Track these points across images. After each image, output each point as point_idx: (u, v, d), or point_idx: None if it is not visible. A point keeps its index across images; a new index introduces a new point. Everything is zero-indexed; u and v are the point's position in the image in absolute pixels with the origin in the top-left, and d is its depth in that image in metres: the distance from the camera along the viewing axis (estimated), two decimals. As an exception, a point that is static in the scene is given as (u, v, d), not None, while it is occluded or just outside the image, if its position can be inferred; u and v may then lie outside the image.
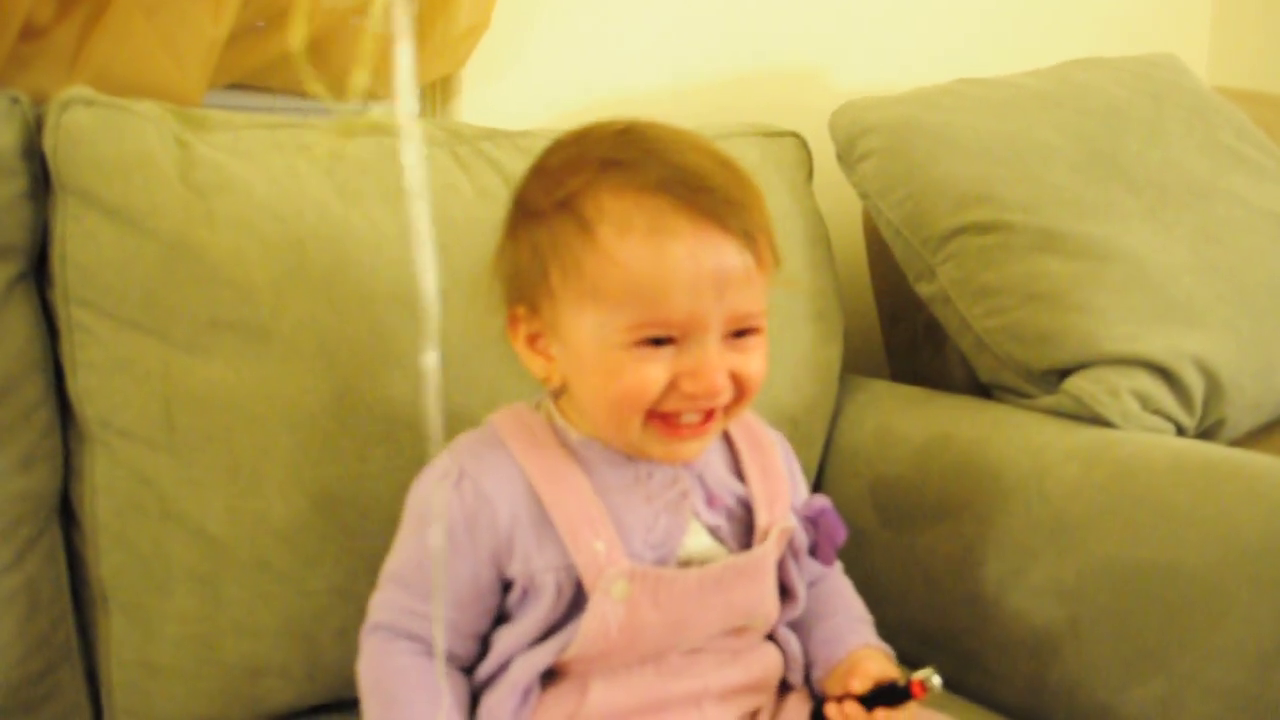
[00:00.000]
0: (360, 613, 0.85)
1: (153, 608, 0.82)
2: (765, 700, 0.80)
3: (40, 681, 0.82)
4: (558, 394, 0.76)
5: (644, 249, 0.66)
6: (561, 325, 0.70)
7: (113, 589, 0.82)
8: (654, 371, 0.68)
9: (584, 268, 0.67)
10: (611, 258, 0.67)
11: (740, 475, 0.79)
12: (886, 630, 0.86)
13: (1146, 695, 0.84)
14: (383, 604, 0.74)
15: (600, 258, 0.67)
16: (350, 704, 0.89)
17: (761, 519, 0.76)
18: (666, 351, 0.68)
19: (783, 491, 0.79)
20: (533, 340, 0.74)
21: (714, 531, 0.75)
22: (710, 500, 0.76)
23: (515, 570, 0.72)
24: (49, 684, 0.83)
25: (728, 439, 0.80)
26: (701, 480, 0.76)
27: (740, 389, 0.70)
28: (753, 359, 0.71)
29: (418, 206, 0.35)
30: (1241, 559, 0.81)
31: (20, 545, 0.81)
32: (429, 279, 0.36)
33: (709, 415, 0.71)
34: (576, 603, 0.71)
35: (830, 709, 0.76)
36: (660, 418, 0.70)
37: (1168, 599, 0.84)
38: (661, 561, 0.73)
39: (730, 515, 0.77)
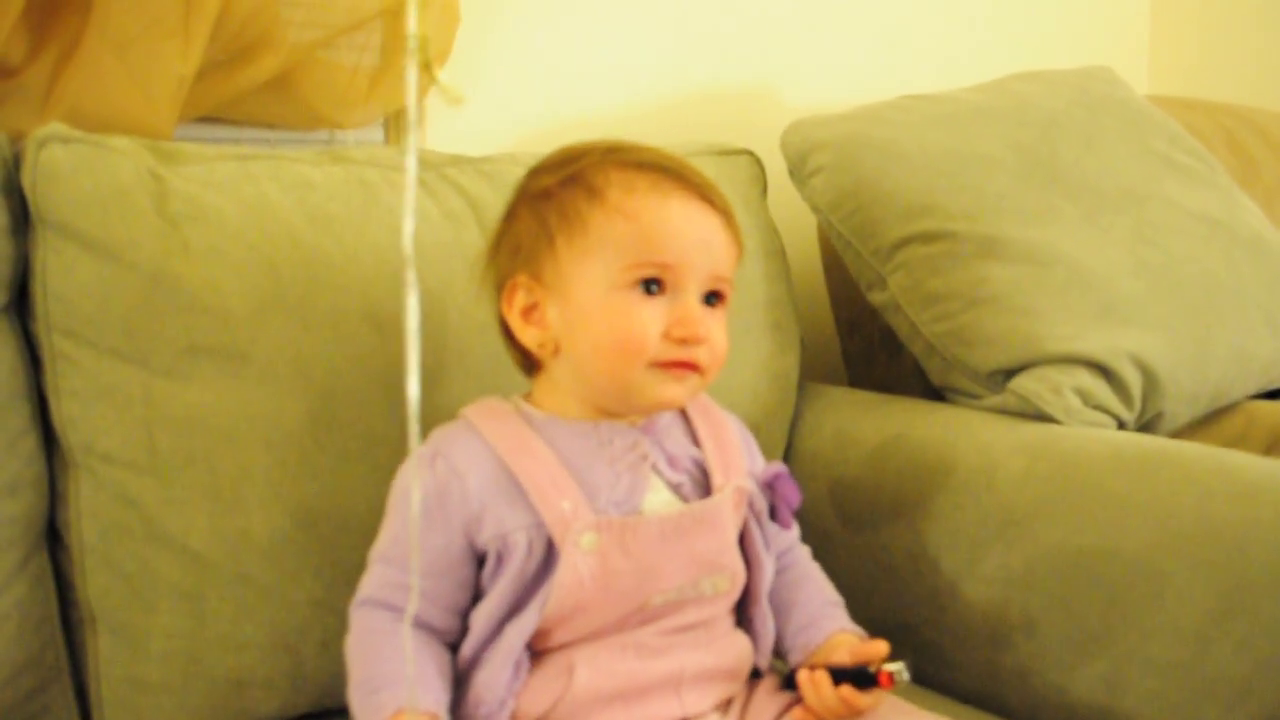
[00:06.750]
0: (341, 624, 0.88)
1: (139, 625, 0.85)
2: (738, 689, 0.84)
3: (31, 700, 0.84)
4: (534, 370, 0.84)
5: (647, 200, 0.78)
6: (563, 282, 0.78)
7: (100, 609, 0.85)
8: (649, 314, 0.77)
9: (589, 225, 0.78)
10: (619, 209, 0.78)
11: (696, 443, 0.85)
12: (849, 625, 0.90)
13: (1093, 674, 0.89)
14: (368, 581, 0.79)
15: (608, 211, 0.78)
16: (335, 713, 0.92)
17: (717, 479, 0.83)
18: (659, 301, 0.77)
19: (737, 459, 0.86)
20: (528, 312, 0.80)
21: (676, 489, 0.81)
22: (671, 461, 0.82)
23: (487, 537, 0.77)
24: (40, 703, 0.85)
25: (683, 413, 0.87)
26: (660, 445, 0.82)
27: (709, 355, 0.79)
28: (720, 329, 0.80)
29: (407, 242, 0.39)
30: (1177, 541, 0.86)
31: (9, 569, 0.83)
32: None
33: (693, 366, 0.79)
34: (548, 563, 0.76)
35: (802, 675, 0.81)
36: (658, 364, 0.78)
37: (1110, 582, 0.88)
38: (626, 515, 0.78)
39: (691, 476, 0.83)
